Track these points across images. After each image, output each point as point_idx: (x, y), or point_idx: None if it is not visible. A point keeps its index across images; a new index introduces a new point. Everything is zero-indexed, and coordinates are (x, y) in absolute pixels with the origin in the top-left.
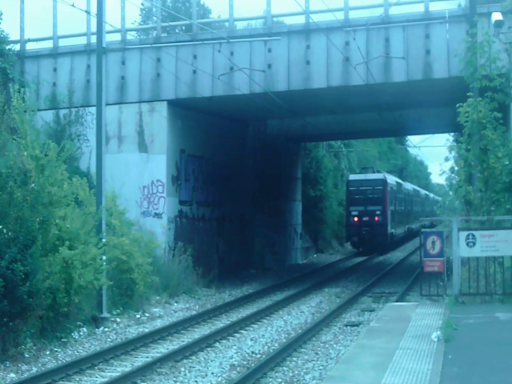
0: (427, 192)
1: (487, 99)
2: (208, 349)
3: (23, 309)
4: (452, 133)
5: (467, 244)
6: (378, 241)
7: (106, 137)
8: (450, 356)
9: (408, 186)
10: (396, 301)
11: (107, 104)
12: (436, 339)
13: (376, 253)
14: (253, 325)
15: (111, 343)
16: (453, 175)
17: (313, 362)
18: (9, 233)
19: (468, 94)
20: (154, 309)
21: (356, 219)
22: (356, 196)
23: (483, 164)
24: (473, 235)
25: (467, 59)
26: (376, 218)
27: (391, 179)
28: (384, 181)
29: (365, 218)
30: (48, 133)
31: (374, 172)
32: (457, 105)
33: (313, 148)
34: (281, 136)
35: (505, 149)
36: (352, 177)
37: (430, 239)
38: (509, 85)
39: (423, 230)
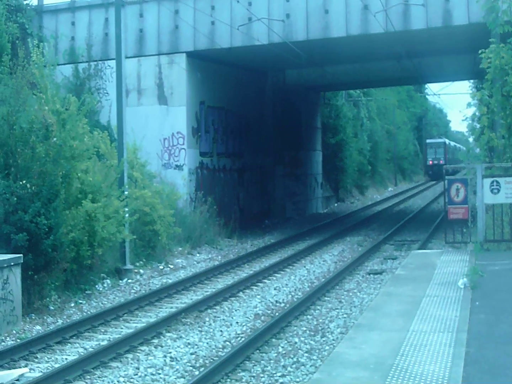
0: (457, 144)
1: (510, 45)
2: (232, 298)
3: (47, 262)
4: (472, 80)
5: (492, 191)
6: (442, 174)
7: (126, 90)
8: (477, 303)
9: (452, 143)
10: (419, 249)
11: (126, 57)
12: (462, 286)
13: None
14: (276, 275)
15: (135, 294)
16: (475, 122)
17: (337, 310)
18: (33, 188)
19: (490, 40)
20: (177, 260)
21: (430, 162)
22: (430, 150)
23: (506, 110)
24: (497, 181)
25: (489, 5)
26: (441, 161)
27: (447, 141)
28: (444, 143)
29: (435, 162)
30: (68, 88)
31: (439, 138)
32: (480, 51)
33: (332, 97)
34: (300, 86)
35: None
36: (428, 140)
37: (454, 186)
38: None
39: (447, 177)
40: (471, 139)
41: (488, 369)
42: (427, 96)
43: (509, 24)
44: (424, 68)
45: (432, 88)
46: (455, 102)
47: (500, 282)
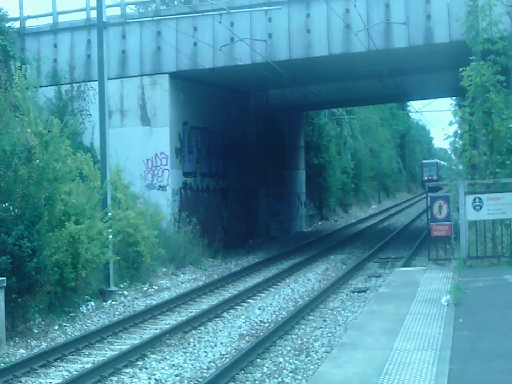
0: (445, 163)
1: (490, 63)
2: (217, 319)
3: (31, 285)
4: (454, 98)
5: (474, 207)
6: (433, 188)
7: (109, 112)
8: (460, 320)
9: (442, 162)
10: (402, 266)
11: (108, 79)
12: (446, 303)
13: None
14: (260, 294)
15: (119, 316)
16: (457, 139)
17: (322, 329)
18: (16, 210)
19: (470, 58)
20: (161, 281)
21: (426, 178)
22: (425, 169)
23: (487, 127)
24: (479, 198)
25: (469, 23)
26: (434, 177)
27: (439, 161)
28: (436, 162)
29: (429, 177)
30: (51, 109)
31: (432, 159)
32: (460, 69)
33: (315, 116)
34: (283, 105)
35: (509, 111)
36: (424, 161)
37: (437, 204)
38: (511, 48)
39: (429, 194)
40: (453, 156)
41: None
42: (409, 114)
43: (489, 41)
44: (406, 86)
45: (414, 105)
46: (438, 119)
47: (483, 298)
